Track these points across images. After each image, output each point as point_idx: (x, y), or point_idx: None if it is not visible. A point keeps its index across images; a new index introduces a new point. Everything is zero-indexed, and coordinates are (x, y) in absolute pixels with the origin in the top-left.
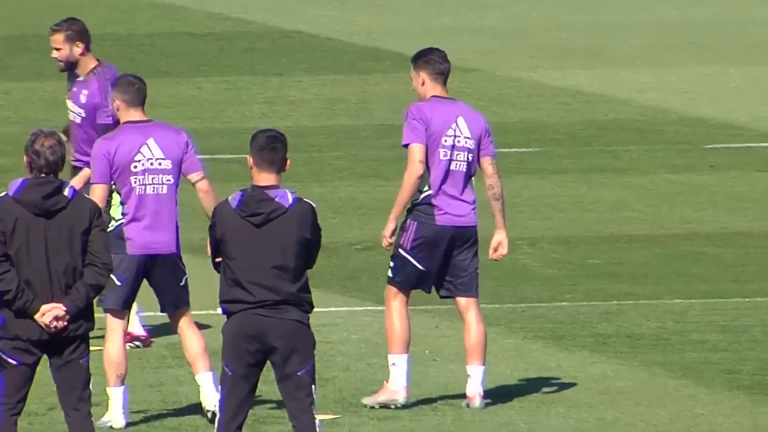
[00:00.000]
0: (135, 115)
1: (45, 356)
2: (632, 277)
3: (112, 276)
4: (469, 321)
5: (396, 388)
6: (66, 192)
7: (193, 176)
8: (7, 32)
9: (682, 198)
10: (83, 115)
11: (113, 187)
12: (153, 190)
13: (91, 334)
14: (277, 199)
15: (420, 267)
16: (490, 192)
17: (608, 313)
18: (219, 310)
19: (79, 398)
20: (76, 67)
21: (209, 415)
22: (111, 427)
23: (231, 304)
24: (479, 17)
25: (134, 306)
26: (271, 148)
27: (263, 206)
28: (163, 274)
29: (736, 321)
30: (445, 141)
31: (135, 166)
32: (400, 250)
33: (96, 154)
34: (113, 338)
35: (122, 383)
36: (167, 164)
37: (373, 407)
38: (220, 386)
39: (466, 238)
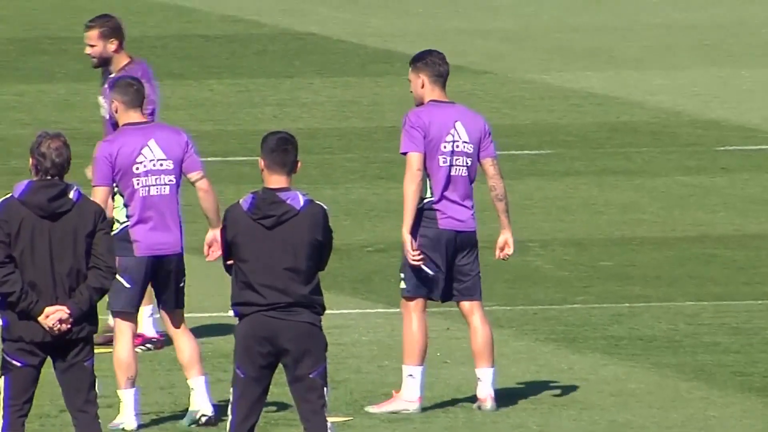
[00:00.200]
0: (134, 116)
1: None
2: (644, 280)
3: (120, 279)
4: (475, 324)
5: (411, 398)
6: (71, 195)
7: (193, 175)
8: (19, 34)
9: (695, 200)
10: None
11: (116, 189)
12: (156, 191)
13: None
14: (288, 201)
15: (429, 271)
16: (493, 193)
17: (620, 315)
18: (231, 313)
19: (85, 400)
20: (109, 63)
21: (203, 420)
22: (123, 429)
23: (243, 307)
24: (491, 19)
25: (149, 308)
26: (282, 150)
27: (275, 208)
28: (167, 274)
29: (748, 323)
30: (444, 147)
31: (137, 168)
32: (410, 262)
33: (97, 156)
34: (122, 341)
35: (133, 385)
36: (169, 164)
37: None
38: (231, 388)
39: (467, 243)
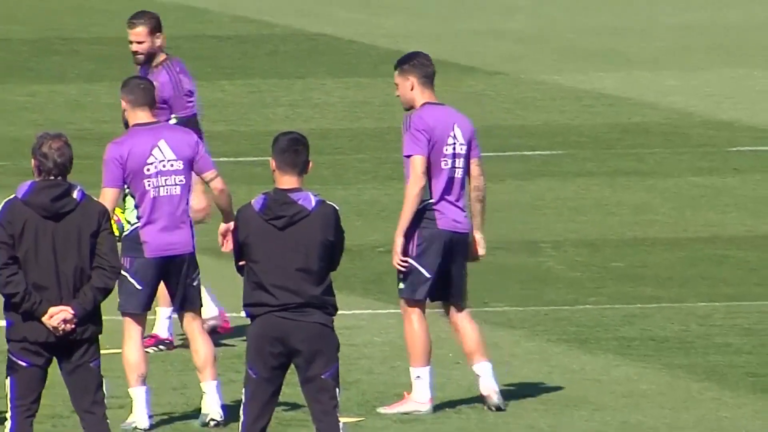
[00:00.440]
0: (142, 116)
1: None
2: (656, 280)
3: (132, 280)
4: (463, 325)
5: (422, 400)
6: (75, 195)
7: (207, 175)
8: (31, 35)
9: (706, 201)
10: None
11: (127, 191)
12: (166, 192)
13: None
14: (300, 202)
15: (426, 275)
16: (475, 193)
17: (632, 316)
18: (243, 313)
19: (92, 401)
20: (152, 60)
21: (212, 424)
22: (135, 428)
23: (254, 308)
24: (503, 20)
25: (168, 310)
26: (293, 150)
27: (286, 209)
28: (178, 274)
29: (760, 324)
30: (446, 150)
31: (148, 169)
32: (408, 260)
33: (107, 158)
34: (130, 341)
35: (143, 383)
36: (179, 165)
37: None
38: (243, 389)
39: (462, 244)
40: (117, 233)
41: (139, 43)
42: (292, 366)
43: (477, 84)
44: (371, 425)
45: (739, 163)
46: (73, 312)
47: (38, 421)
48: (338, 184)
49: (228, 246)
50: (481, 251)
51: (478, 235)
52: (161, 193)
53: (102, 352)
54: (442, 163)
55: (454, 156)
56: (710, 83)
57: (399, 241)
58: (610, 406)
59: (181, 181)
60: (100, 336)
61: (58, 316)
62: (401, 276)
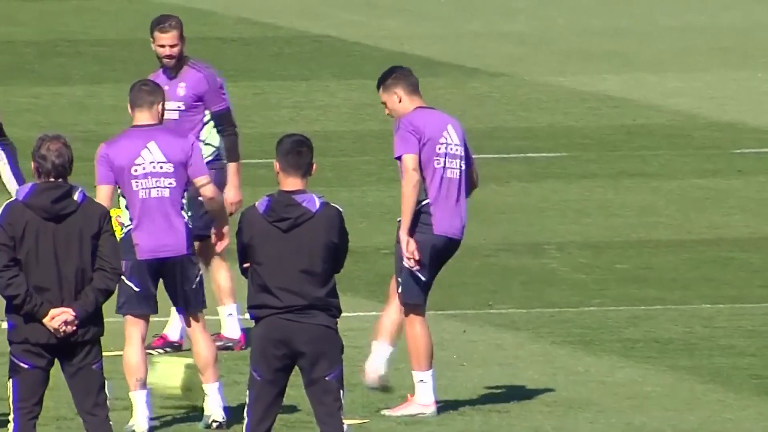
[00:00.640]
0: (140, 118)
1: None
2: (660, 282)
3: (128, 282)
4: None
5: (426, 402)
6: (75, 196)
7: (198, 180)
8: (35, 37)
9: (711, 203)
10: (182, 108)
11: (119, 191)
12: (157, 194)
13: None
14: (304, 204)
15: (423, 279)
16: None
17: (636, 318)
18: (248, 315)
19: (94, 403)
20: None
21: (214, 425)
22: (134, 431)
23: (259, 310)
24: (507, 22)
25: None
26: (297, 152)
27: (290, 211)
28: (173, 276)
29: (764, 326)
30: (439, 149)
31: (135, 170)
32: (404, 263)
33: (97, 156)
34: (130, 343)
35: (143, 387)
36: (169, 167)
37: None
38: (247, 390)
39: (453, 251)
40: (119, 233)
41: (172, 46)
42: (297, 368)
43: (480, 86)
44: (375, 427)
45: (743, 165)
46: (74, 314)
47: (42, 423)
48: (342, 186)
49: (222, 246)
50: None
51: None
52: (151, 195)
53: (105, 354)
54: (435, 163)
55: (447, 156)
56: (713, 85)
57: (404, 239)
58: (615, 408)
59: (170, 183)
60: (102, 338)
61: (59, 318)
62: (399, 280)
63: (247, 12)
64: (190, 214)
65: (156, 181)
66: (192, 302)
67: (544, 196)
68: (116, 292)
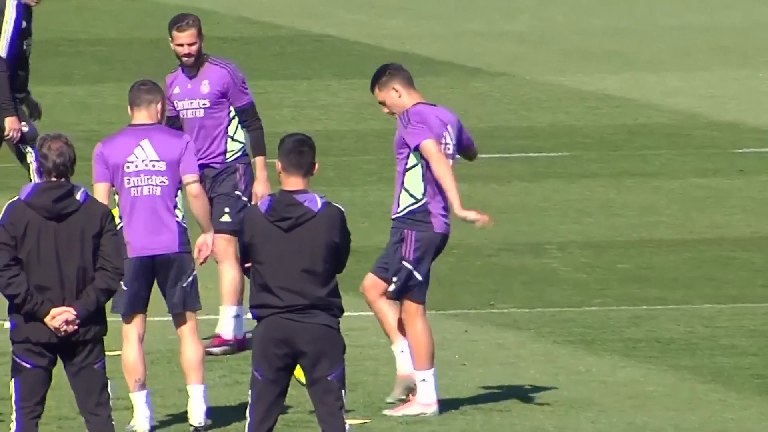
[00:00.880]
0: (138, 117)
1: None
2: (661, 282)
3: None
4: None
5: (428, 401)
6: (77, 196)
7: (186, 178)
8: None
9: (712, 202)
10: (207, 105)
11: (113, 189)
12: (149, 191)
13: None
14: (305, 204)
15: (419, 278)
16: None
17: (637, 317)
18: (249, 315)
19: (96, 403)
20: (200, 59)
21: (191, 429)
22: (135, 431)
23: (260, 309)
24: (507, 22)
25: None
26: (299, 151)
27: (292, 210)
28: (164, 275)
29: (765, 326)
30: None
31: (128, 167)
32: (404, 263)
33: (93, 154)
34: (127, 343)
35: (142, 388)
36: (161, 166)
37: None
38: (249, 390)
39: (444, 246)
40: None
41: (190, 44)
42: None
43: (481, 85)
44: (377, 427)
45: (744, 164)
46: (75, 313)
47: (44, 423)
48: (344, 186)
49: (201, 258)
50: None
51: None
52: (143, 192)
53: (107, 353)
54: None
55: (446, 157)
56: (714, 84)
57: (464, 213)
58: (616, 408)
59: (163, 182)
60: (105, 337)
61: (60, 317)
62: (394, 278)
63: (248, 11)
64: (183, 212)
65: (148, 179)
66: (183, 302)
67: (545, 196)
68: None
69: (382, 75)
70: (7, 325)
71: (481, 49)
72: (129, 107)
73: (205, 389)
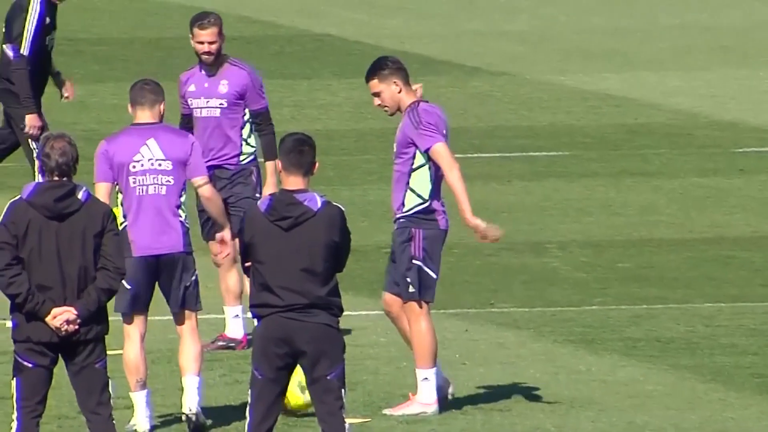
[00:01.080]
0: (141, 117)
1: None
2: (662, 281)
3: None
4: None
5: (428, 401)
6: (79, 195)
7: (196, 181)
8: None
9: (712, 202)
10: (224, 105)
11: (117, 188)
12: (154, 191)
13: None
14: (305, 203)
15: (434, 276)
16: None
17: (637, 317)
18: (249, 314)
19: (98, 402)
20: (220, 58)
21: (183, 418)
22: (135, 431)
23: (260, 308)
24: (508, 21)
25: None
26: (299, 151)
27: (292, 210)
28: (167, 274)
29: (765, 325)
30: None
31: (134, 167)
32: (414, 262)
33: (96, 153)
34: (129, 342)
35: (144, 387)
36: (167, 165)
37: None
38: (249, 389)
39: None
40: None
41: (211, 43)
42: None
43: (482, 85)
44: (377, 426)
45: (745, 164)
46: (76, 313)
47: (44, 422)
48: (344, 185)
49: (222, 256)
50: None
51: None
52: (149, 192)
53: (108, 352)
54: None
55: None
56: (714, 84)
57: (475, 222)
58: (616, 407)
59: (168, 181)
60: (106, 336)
61: (61, 317)
62: (408, 279)
63: (247, 11)
64: (186, 213)
65: (153, 178)
66: (186, 302)
67: (545, 195)
68: None
69: (383, 67)
70: (9, 324)
71: (482, 49)
72: (131, 106)
73: (201, 381)
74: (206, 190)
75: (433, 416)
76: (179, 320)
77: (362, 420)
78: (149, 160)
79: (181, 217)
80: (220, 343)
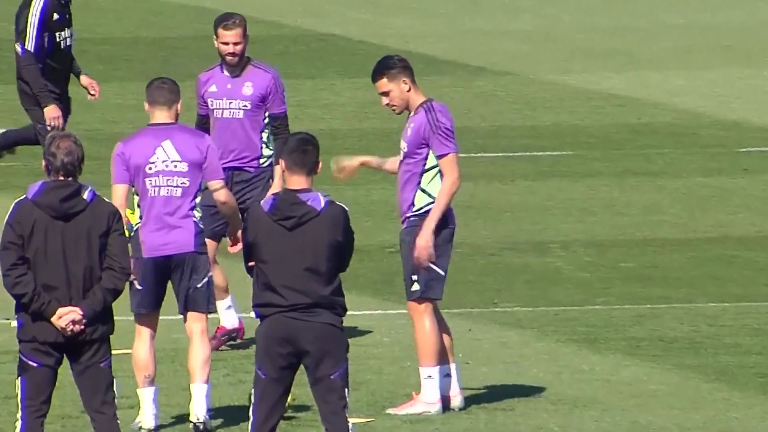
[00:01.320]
0: (159, 116)
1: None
2: (665, 281)
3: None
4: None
5: (432, 400)
6: (85, 195)
7: (213, 184)
8: None
9: (716, 201)
10: (248, 107)
11: (133, 189)
12: (167, 192)
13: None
14: (309, 203)
15: (442, 273)
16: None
17: (641, 316)
18: (253, 314)
19: (102, 401)
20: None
21: (191, 426)
22: (141, 428)
23: (264, 308)
24: (511, 20)
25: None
26: (302, 150)
27: (295, 209)
28: (178, 274)
29: None
30: None
31: (150, 168)
32: (423, 262)
33: (113, 155)
34: (139, 340)
35: (151, 384)
36: (183, 167)
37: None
38: (253, 389)
39: None
40: (126, 234)
41: (236, 44)
42: (302, 366)
43: (486, 84)
44: (380, 426)
45: (749, 163)
46: (81, 313)
47: (48, 422)
48: (347, 185)
49: (237, 247)
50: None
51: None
52: (161, 193)
53: (113, 352)
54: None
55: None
56: (718, 83)
57: (427, 242)
58: (620, 407)
59: (183, 183)
60: (111, 336)
61: (66, 317)
62: (415, 277)
63: (251, 10)
64: (201, 213)
65: (168, 180)
66: (197, 303)
67: (549, 195)
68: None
69: (392, 66)
70: (14, 323)
71: (486, 48)
72: (148, 105)
73: (209, 389)
74: (222, 195)
75: (436, 415)
76: (190, 320)
77: (366, 419)
78: (164, 161)
79: (195, 217)
80: (223, 338)
